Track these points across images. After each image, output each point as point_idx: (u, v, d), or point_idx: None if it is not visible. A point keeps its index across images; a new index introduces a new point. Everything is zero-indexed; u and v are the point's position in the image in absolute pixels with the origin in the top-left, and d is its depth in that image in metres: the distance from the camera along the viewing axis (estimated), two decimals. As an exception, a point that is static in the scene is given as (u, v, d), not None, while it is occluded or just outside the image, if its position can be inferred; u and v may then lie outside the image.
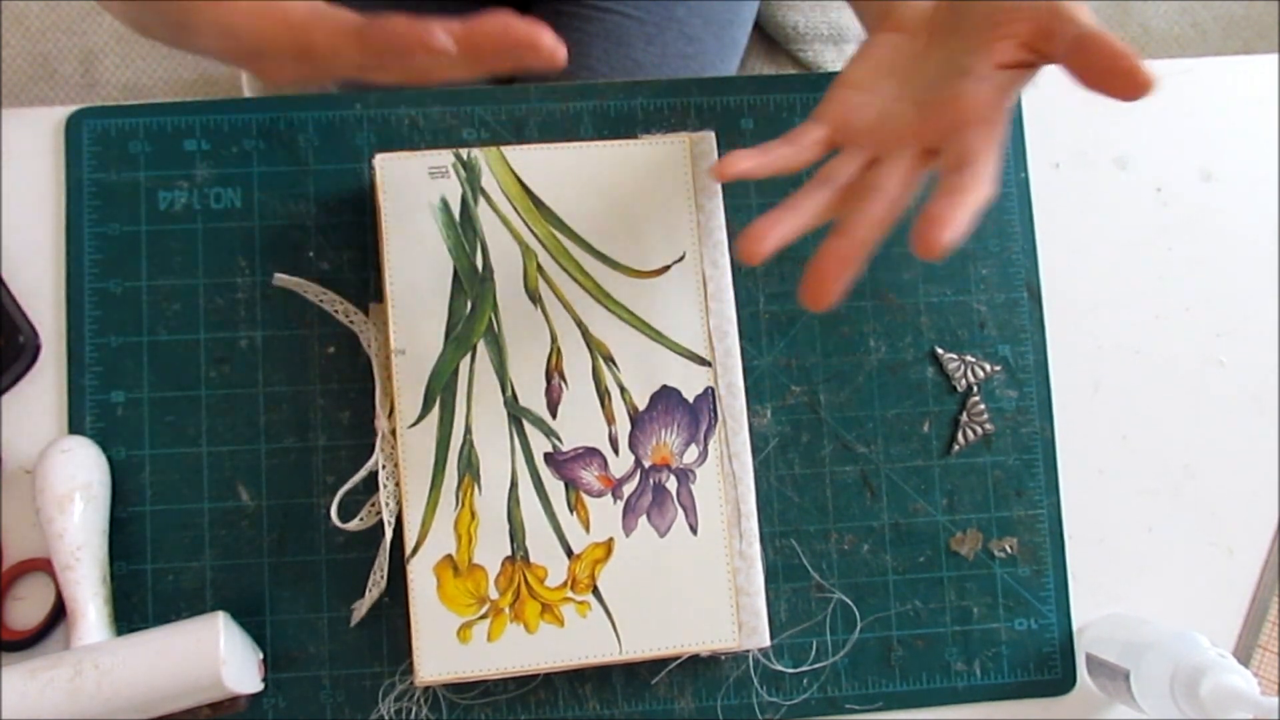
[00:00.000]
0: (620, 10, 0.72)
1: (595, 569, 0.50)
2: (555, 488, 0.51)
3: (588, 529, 0.51)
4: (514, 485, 0.51)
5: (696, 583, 0.51)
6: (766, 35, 0.90)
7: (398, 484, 0.51)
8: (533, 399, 0.51)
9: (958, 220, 0.38)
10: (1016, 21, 0.42)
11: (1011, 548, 0.55)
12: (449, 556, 0.50)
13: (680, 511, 0.51)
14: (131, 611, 0.51)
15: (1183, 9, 1.46)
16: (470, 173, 0.52)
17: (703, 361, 0.52)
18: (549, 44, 0.38)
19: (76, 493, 0.49)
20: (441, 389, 0.51)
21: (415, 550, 0.50)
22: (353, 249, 0.54)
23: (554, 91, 0.56)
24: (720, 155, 0.55)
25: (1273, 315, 0.58)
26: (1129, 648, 0.51)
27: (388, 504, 0.51)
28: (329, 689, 0.52)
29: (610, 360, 0.52)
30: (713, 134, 0.54)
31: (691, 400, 0.52)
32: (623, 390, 0.52)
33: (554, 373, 0.52)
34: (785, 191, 0.55)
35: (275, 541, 0.52)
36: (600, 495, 0.51)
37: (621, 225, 0.53)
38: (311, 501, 0.52)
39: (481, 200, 0.52)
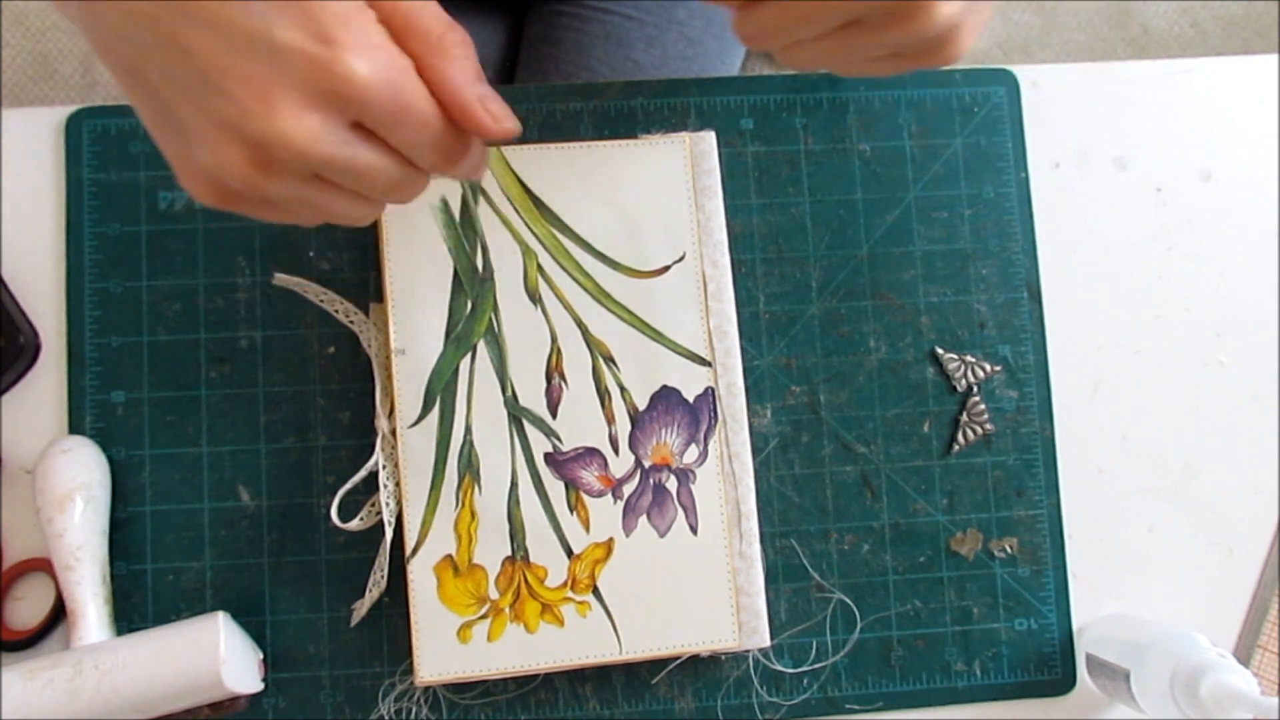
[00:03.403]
0: (621, 11, 0.72)
1: (595, 569, 0.50)
2: (555, 488, 0.51)
3: (588, 529, 0.51)
4: (514, 485, 0.51)
5: (696, 583, 0.51)
6: (766, 35, 0.90)
7: (398, 484, 0.51)
8: (533, 399, 0.51)
9: None
10: None
11: (1011, 548, 0.55)
12: (449, 556, 0.50)
13: (680, 511, 0.51)
14: (131, 611, 0.51)
15: (1183, 9, 1.46)
16: (470, 173, 0.52)
17: (703, 361, 0.52)
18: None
19: (76, 493, 0.49)
20: (441, 389, 0.51)
21: (415, 550, 0.50)
22: (353, 249, 0.54)
23: (554, 91, 0.56)
24: (720, 155, 0.55)
25: (1273, 315, 0.58)
26: (1129, 648, 0.51)
27: (388, 504, 0.51)
28: (329, 689, 0.52)
29: (610, 360, 0.52)
30: (713, 134, 0.54)
31: (691, 400, 0.52)
32: (623, 390, 0.52)
33: (554, 373, 0.52)
34: (785, 191, 0.56)
35: (275, 541, 0.52)
36: (600, 495, 0.51)
37: (621, 225, 0.53)
38: (311, 501, 0.52)
39: (481, 200, 0.52)
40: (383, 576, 0.51)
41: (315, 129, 0.31)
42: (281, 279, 0.52)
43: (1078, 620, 0.55)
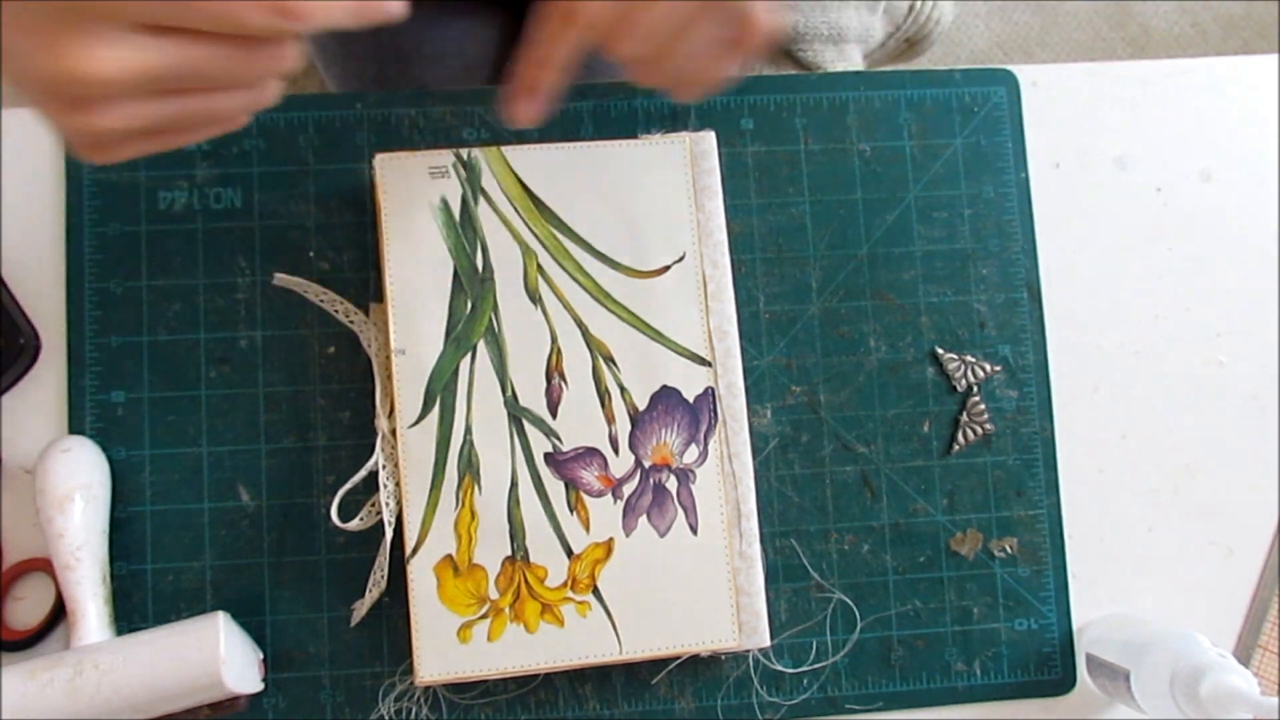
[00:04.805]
0: (620, 10, 0.72)
1: (595, 569, 0.50)
2: (555, 488, 0.51)
3: (588, 529, 0.51)
4: (514, 485, 0.51)
5: (696, 583, 0.51)
6: (766, 35, 0.90)
7: (398, 484, 0.51)
8: (533, 399, 0.51)
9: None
10: None
11: (1011, 548, 0.55)
12: (449, 556, 0.50)
13: (680, 511, 0.51)
14: (131, 611, 0.51)
15: (1183, 9, 1.46)
16: (470, 173, 0.52)
17: (703, 361, 0.52)
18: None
19: (76, 493, 0.49)
20: (441, 389, 0.51)
21: (415, 550, 0.50)
22: (353, 249, 0.54)
23: (554, 91, 0.56)
24: (720, 155, 0.55)
25: (1273, 315, 0.58)
26: (1129, 648, 0.51)
27: (388, 504, 0.51)
28: (329, 689, 0.52)
29: (610, 360, 0.52)
30: (713, 134, 0.54)
31: (691, 400, 0.52)
32: (623, 390, 0.52)
33: (554, 373, 0.52)
34: (785, 191, 0.56)
35: (275, 541, 0.52)
36: (600, 495, 0.51)
37: (621, 225, 0.53)
38: (311, 501, 0.52)
39: (482, 200, 0.52)
40: (383, 576, 0.51)
41: (108, 54, 0.28)
42: (281, 279, 0.52)
43: (1078, 620, 0.55)
